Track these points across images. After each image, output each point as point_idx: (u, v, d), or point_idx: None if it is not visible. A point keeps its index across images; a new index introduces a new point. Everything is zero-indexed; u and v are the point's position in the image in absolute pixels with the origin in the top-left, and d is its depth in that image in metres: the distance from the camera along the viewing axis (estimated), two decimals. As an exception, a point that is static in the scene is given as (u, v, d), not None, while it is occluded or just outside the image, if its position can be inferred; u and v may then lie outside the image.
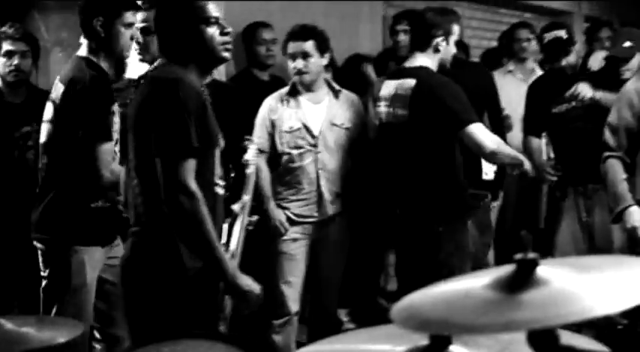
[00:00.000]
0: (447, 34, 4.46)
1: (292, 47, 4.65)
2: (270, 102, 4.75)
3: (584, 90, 5.00)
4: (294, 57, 4.64)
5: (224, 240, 3.35)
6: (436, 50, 4.43)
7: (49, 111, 3.84)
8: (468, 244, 4.46)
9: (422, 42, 4.45)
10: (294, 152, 4.66)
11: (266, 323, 4.72)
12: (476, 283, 1.36)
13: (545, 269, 1.33)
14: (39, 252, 3.83)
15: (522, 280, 1.31)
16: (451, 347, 1.49)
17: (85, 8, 3.85)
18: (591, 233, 5.00)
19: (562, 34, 5.21)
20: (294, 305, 4.69)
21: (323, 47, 4.65)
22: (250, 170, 3.83)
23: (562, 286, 1.30)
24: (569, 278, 1.32)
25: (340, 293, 4.96)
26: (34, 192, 3.91)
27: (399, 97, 4.40)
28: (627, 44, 5.29)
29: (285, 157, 4.68)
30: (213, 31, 3.05)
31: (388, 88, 4.50)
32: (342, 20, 6.55)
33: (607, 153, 4.31)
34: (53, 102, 3.81)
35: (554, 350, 1.29)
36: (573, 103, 5.12)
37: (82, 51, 3.86)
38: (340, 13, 6.53)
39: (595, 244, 4.90)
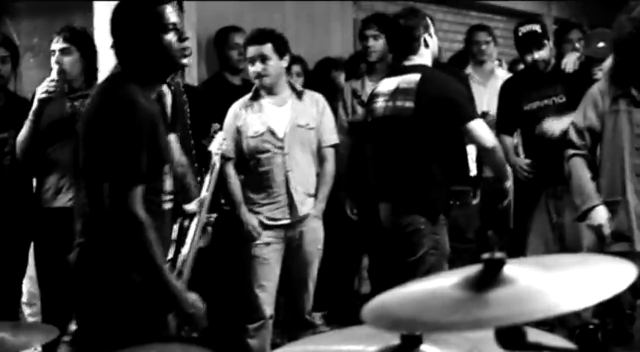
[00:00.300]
0: (426, 28, 4.55)
1: (251, 51, 4.68)
2: (234, 109, 4.78)
3: (553, 126, 5.06)
4: (252, 61, 4.67)
5: (173, 246, 3.32)
6: (426, 45, 4.52)
7: None
8: (446, 243, 4.50)
9: (411, 47, 4.53)
10: (262, 156, 4.68)
11: (241, 327, 4.73)
12: (444, 283, 1.39)
13: (512, 268, 1.36)
14: None
15: (489, 279, 1.34)
16: (422, 347, 1.51)
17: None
18: (562, 234, 5.04)
19: (537, 28, 5.25)
20: (268, 309, 4.70)
21: (282, 50, 4.68)
22: (213, 162, 3.75)
23: (528, 284, 1.33)
24: (535, 277, 1.35)
25: (315, 297, 4.98)
26: (8, 198, 3.88)
27: (403, 91, 4.45)
28: (601, 45, 5.35)
29: (252, 162, 4.70)
30: (170, 37, 2.99)
31: (388, 84, 4.57)
32: (313, 23, 6.58)
33: (571, 151, 4.35)
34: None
35: (522, 347, 1.32)
36: (545, 101, 5.17)
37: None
38: (311, 16, 6.56)
39: (566, 245, 4.95)
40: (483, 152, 4.56)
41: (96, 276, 2.96)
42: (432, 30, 4.59)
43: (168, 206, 3.10)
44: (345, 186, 5.45)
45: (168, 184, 3.08)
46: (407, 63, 4.52)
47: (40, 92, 4.28)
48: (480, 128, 4.32)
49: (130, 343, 2.03)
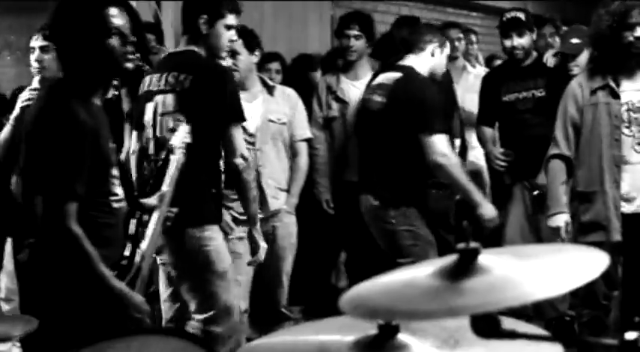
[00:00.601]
0: (442, 44, 4.68)
1: None
2: None
3: None
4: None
5: (130, 241, 3.33)
6: (432, 55, 4.63)
7: (169, 102, 3.84)
8: (427, 233, 4.55)
9: (414, 47, 4.64)
10: None
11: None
12: (421, 272, 1.42)
13: (487, 258, 1.39)
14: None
15: (465, 268, 1.37)
16: (399, 336, 1.53)
17: (191, 5, 3.91)
18: (538, 226, 5.09)
19: (521, 15, 5.27)
20: (243, 303, 4.72)
21: (252, 45, 4.70)
22: (175, 156, 3.76)
23: (502, 273, 1.36)
24: (509, 266, 1.38)
25: (293, 290, 5.00)
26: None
27: (382, 86, 4.59)
28: (575, 41, 5.40)
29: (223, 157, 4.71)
30: (114, 41, 2.97)
31: (378, 79, 4.69)
32: (291, 20, 6.59)
33: (552, 152, 4.39)
34: (178, 92, 3.80)
35: (497, 335, 1.34)
36: (524, 94, 5.20)
37: (183, 45, 3.95)
38: (289, 14, 6.57)
39: (542, 236, 4.99)
40: (436, 168, 4.50)
41: (47, 277, 2.96)
42: (445, 49, 4.72)
43: (120, 205, 3.11)
44: (332, 178, 5.48)
45: (117, 185, 3.09)
46: (400, 62, 4.62)
47: (23, 100, 4.28)
48: (439, 144, 4.38)
49: (84, 340, 2.05)
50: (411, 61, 4.61)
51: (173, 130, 3.85)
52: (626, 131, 4.21)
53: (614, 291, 4.44)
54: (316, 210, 5.39)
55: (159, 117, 3.86)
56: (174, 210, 3.72)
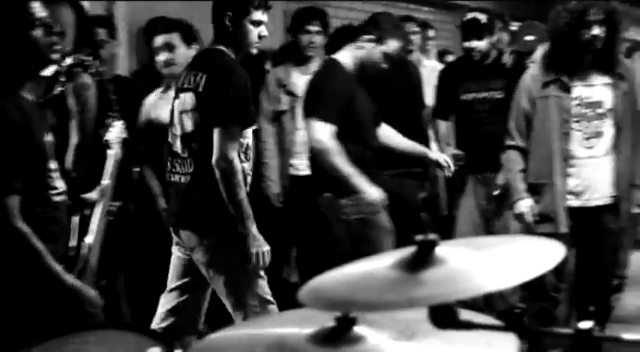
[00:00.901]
0: (378, 40, 4.69)
1: (157, 41, 4.70)
2: (148, 102, 4.84)
3: None
4: (159, 50, 4.68)
5: (75, 236, 3.32)
6: (361, 47, 4.64)
7: (188, 101, 3.79)
8: (382, 219, 4.59)
9: (343, 45, 4.67)
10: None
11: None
12: (380, 264, 1.43)
13: (444, 249, 1.41)
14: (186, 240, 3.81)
15: (422, 260, 1.39)
16: (356, 328, 1.54)
17: (218, 3, 3.87)
18: (489, 220, 5.15)
19: (482, 17, 5.29)
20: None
21: (189, 38, 4.69)
22: (112, 151, 3.74)
23: (459, 264, 1.38)
24: (466, 257, 1.40)
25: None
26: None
27: None
28: (529, 38, 5.45)
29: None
30: (38, 33, 2.97)
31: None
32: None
33: (508, 143, 4.46)
34: (195, 91, 3.76)
35: (453, 325, 1.36)
36: (483, 94, 5.24)
37: (211, 43, 3.90)
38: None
39: (494, 230, 5.05)
40: (314, 154, 4.53)
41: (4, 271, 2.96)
42: (388, 44, 4.78)
43: (61, 198, 3.11)
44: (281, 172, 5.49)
45: (57, 178, 3.09)
46: (333, 55, 4.68)
47: None
48: (315, 130, 4.41)
49: (39, 337, 2.05)
50: (339, 54, 4.63)
51: (108, 126, 3.84)
52: (575, 126, 4.27)
53: (562, 283, 4.51)
54: (265, 204, 5.39)
55: (181, 115, 3.83)
56: (117, 203, 3.72)
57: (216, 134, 3.63)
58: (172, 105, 3.92)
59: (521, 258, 1.40)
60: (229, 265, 3.78)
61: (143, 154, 4.75)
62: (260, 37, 3.87)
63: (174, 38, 4.64)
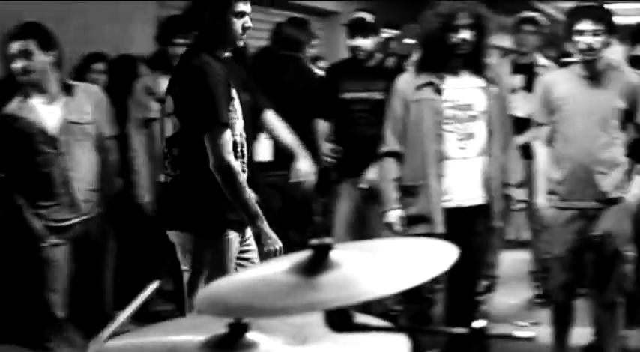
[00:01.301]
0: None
1: (13, 47, 4.46)
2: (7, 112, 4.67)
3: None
4: (15, 57, 4.50)
5: None
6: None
7: (169, 105, 3.66)
8: None
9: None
10: (38, 158, 4.54)
11: (39, 331, 4.61)
12: (276, 269, 1.43)
13: (339, 253, 1.42)
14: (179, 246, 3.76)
15: (318, 264, 1.40)
16: (248, 334, 1.54)
17: (196, 0, 3.69)
18: (365, 222, 5.20)
19: (367, 17, 5.34)
20: (61, 311, 4.61)
21: (46, 44, 4.53)
22: None
23: (354, 269, 1.39)
24: (361, 261, 1.41)
25: (119, 294, 4.90)
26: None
27: None
28: (408, 41, 5.53)
29: (31, 165, 4.57)
30: None
31: None
32: (115, 21, 6.48)
33: (383, 149, 4.51)
34: (173, 94, 3.64)
35: (349, 328, 1.38)
36: (363, 94, 5.29)
37: (195, 43, 3.74)
38: (113, 14, 6.45)
39: (369, 234, 5.11)
40: None
41: None
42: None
43: None
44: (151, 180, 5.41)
45: None
46: None
47: None
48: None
49: None
50: None
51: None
52: (448, 127, 4.36)
53: (437, 284, 4.60)
54: (137, 212, 5.32)
55: (166, 118, 3.75)
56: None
57: (205, 141, 3.54)
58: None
59: (415, 261, 1.42)
60: (203, 266, 3.74)
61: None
62: (244, 29, 3.69)
63: (31, 44, 4.48)
